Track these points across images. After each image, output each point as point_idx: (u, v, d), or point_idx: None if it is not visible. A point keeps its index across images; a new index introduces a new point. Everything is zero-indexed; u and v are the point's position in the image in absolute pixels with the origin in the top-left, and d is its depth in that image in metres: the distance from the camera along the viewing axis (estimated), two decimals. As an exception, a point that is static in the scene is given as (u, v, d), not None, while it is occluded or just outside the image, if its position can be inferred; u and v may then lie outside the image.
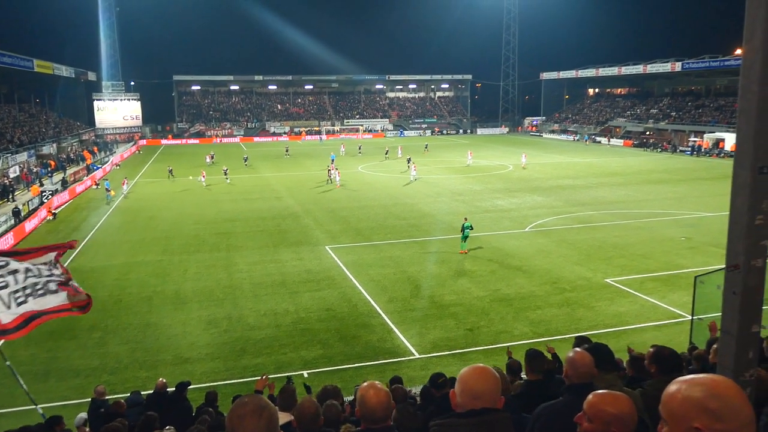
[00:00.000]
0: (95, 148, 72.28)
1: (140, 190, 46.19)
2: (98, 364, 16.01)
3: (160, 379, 10.80)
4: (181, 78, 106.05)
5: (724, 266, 3.28)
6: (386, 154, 66.67)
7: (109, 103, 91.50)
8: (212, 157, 62.56)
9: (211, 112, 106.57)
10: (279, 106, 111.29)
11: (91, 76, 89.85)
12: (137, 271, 24.45)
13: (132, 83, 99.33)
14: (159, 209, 37.61)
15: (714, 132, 68.39)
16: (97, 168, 55.53)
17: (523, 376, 6.59)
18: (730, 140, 64.14)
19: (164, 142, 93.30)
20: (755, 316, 3.07)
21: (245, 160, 61.05)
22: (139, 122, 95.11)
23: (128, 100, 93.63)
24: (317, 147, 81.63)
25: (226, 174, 49.81)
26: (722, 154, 62.83)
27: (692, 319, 15.23)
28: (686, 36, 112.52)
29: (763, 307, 3.39)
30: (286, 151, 70.64)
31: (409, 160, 54.52)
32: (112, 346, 17.20)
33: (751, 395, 3.04)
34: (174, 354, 16.55)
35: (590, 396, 2.48)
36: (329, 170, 48.33)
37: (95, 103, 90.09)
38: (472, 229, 26.09)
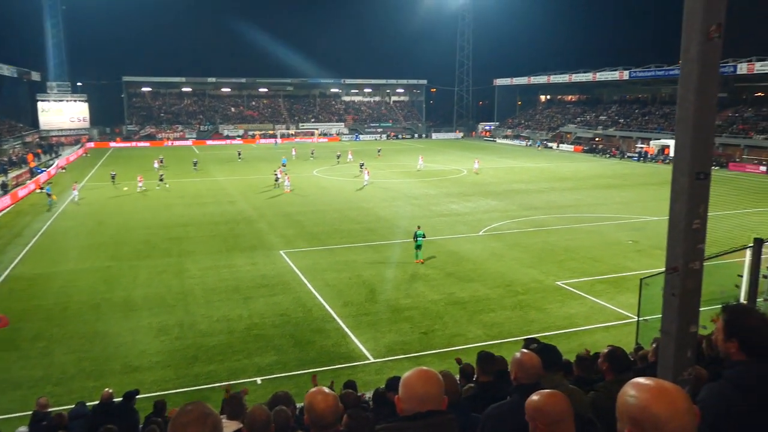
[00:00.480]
0: (39, 151, 69.89)
1: (88, 194, 44.86)
2: (42, 375, 15.44)
3: (106, 389, 10.49)
4: (131, 79, 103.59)
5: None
6: (338, 158, 66.41)
7: (55, 104, 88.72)
8: (161, 162, 60.02)
9: (162, 115, 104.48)
10: (233, 109, 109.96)
11: (35, 75, 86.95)
12: (85, 278, 23.72)
13: (79, 84, 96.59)
14: (108, 214, 36.61)
15: (660, 139, 70.80)
16: (41, 171, 53.71)
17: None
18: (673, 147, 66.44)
19: (112, 144, 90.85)
20: (693, 317, 3.19)
21: (195, 165, 59.65)
22: (87, 124, 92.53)
23: (75, 101, 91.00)
24: (271, 150, 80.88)
25: (162, 180, 47.52)
26: (667, 160, 64.99)
27: (638, 320, 15.68)
28: (634, 46, 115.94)
29: (701, 309, 3.53)
30: (239, 154, 69.75)
31: (362, 165, 54.57)
32: (58, 355, 16.62)
33: (689, 393, 3.15)
34: (123, 363, 16.11)
35: (533, 395, 2.57)
36: (276, 174, 47.74)
37: (39, 104, 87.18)
38: (424, 237, 25.39)
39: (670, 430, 1.90)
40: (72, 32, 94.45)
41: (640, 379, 2.07)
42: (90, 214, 36.72)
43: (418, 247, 25.23)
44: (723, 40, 3.00)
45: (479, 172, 55.37)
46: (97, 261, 26.12)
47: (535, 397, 2.55)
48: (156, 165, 58.31)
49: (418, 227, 26.15)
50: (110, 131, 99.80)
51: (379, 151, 73.79)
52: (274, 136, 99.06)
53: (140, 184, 45.11)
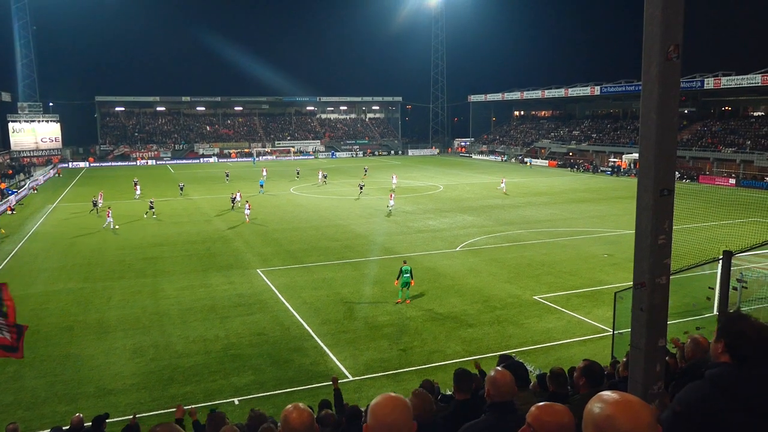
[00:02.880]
0: (9, 171, 68.72)
1: (59, 215, 44.17)
2: (12, 400, 15.06)
3: (76, 414, 10.28)
4: (104, 99, 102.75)
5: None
6: (325, 177, 65.92)
7: (26, 124, 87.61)
8: (135, 185, 54.03)
9: (136, 134, 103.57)
10: (208, 128, 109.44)
11: (5, 96, 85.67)
12: (57, 299, 23.27)
13: (51, 104, 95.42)
14: (80, 234, 36.04)
15: (632, 153, 71.99)
16: (12, 192, 52.76)
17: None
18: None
19: (83, 164, 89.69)
20: (661, 332, 3.25)
21: (181, 189, 53.71)
22: (59, 144, 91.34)
23: (47, 121, 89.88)
24: (250, 169, 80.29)
25: (152, 207, 41.99)
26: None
27: (613, 333, 15.84)
28: (604, 62, 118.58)
29: (675, 321, 3.59)
30: (227, 175, 66.58)
31: (361, 187, 52.50)
32: (29, 380, 16.23)
33: (659, 406, 3.20)
34: (97, 386, 15.79)
35: (532, 408, 2.57)
36: (234, 196, 45.20)
37: (10, 124, 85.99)
38: (411, 276, 22.03)
39: None
40: (43, 52, 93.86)
41: (608, 392, 2.15)
42: (62, 234, 36.11)
43: (405, 284, 22.05)
44: (681, 59, 3.10)
45: (507, 193, 52.62)
46: (70, 282, 25.67)
47: (551, 411, 2.55)
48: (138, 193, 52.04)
49: (404, 262, 22.71)
50: (83, 151, 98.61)
51: (365, 171, 70.92)
52: (250, 155, 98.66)
53: (109, 219, 37.74)
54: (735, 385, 2.56)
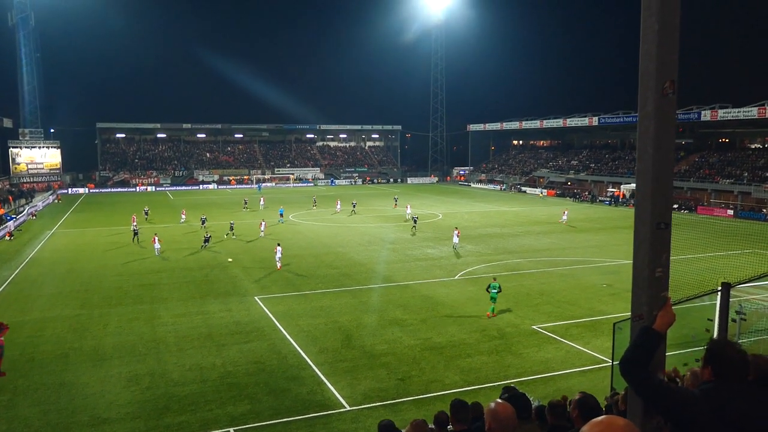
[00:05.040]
0: (10, 198, 68.81)
1: (59, 240, 44.13)
2: (5, 429, 14.85)
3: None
4: (105, 125, 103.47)
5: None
6: (314, 203, 66.03)
7: (27, 150, 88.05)
8: (146, 214, 55.49)
9: (136, 160, 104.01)
10: (208, 155, 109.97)
11: (7, 122, 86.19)
12: (52, 326, 23.12)
13: (52, 130, 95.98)
14: (78, 260, 35.97)
15: (630, 183, 72.24)
16: (11, 218, 52.76)
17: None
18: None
19: (83, 190, 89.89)
20: (659, 364, 3.25)
21: (203, 222, 48.67)
22: (59, 170, 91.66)
23: (47, 147, 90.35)
24: (255, 195, 79.24)
25: (231, 229, 44.61)
26: (637, 203, 66.26)
27: (612, 364, 15.74)
28: (603, 92, 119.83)
29: (675, 352, 3.60)
30: (245, 203, 65.69)
31: (416, 220, 48.06)
32: (22, 408, 16.04)
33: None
34: (91, 414, 15.60)
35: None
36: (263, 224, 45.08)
37: (11, 150, 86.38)
38: (499, 290, 23.93)
39: None
40: (46, 79, 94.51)
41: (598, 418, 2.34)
42: (60, 261, 36.04)
43: (493, 299, 23.88)
44: (678, 90, 3.17)
45: (567, 224, 51.13)
46: (66, 309, 25.53)
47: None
48: (142, 217, 52.36)
49: (494, 279, 24.75)
50: (83, 177, 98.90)
51: (395, 199, 68.28)
52: (259, 181, 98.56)
53: (156, 246, 37.48)
54: (718, 398, 2.94)
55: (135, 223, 45.62)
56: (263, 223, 45.98)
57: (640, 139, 3.21)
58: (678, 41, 3.10)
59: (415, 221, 47.38)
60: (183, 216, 52.34)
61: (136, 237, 41.77)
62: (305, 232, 47.02)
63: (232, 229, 44.94)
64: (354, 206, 60.82)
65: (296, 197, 76.32)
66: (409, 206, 58.22)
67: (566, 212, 53.95)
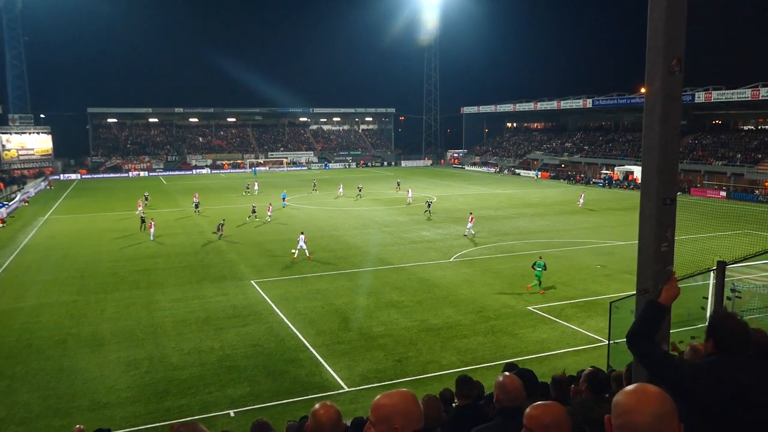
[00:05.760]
0: (1, 184, 68.37)
1: (52, 227, 43.98)
2: (5, 415, 14.93)
3: (78, 426, 10.20)
4: (96, 110, 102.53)
5: (635, 292, 3.55)
6: (314, 187, 66.21)
7: (17, 136, 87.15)
8: (146, 200, 52.58)
9: (128, 145, 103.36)
10: (201, 139, 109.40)
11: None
12: (49, 312, 23.12)
13: (42, 116, 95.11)
14: (73, 246, 35.88)
15: (624, 165, 72.50)
16: (3, 205, 52.46)
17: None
18: (639, 172, 68.17)
19: (75, 176, 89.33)
20: (664, 336, 3.32)
21: (196, 207, 49.65)
22: (51, 156, 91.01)
23: (38, 133, 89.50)
24: (251, 179, 78.63)
25: (254, 212, 44.77)
26: (632, 186, 66.56)
27: (609, 343, 15.91)
28: (597, 74, 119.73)
29: (670, 331, 3.68)
30: (247, 188, 65.11)
31: (429, 204, 47.82)
32: (22, 394, 16.10)
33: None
34: (91, 399, 15.68)
35: (527, 409, 2.78)
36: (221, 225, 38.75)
37: (1, 136, 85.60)
38: (545, 269, 24.58)
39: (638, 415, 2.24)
40: (35, 64, 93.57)
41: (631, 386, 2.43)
42: (54, 247, 35.94)
43: (537, 277, 24.70)
44: (683, 72, 3.20)
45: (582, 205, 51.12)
46: (63, 295, 25.53)
47: (529, 409, 2.76)
48: (140, 208, 47.54)
49: (540, 257, 25.58)
50: (75, 163, 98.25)
51: (398, 183, 67.80)
52: (243, 167, 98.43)
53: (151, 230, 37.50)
54: (720, 370, 3.00)
55: (141, 208, 45.75)
56: (270, 206, 46.16)
57: (646, 116, 3.25)
58: (685, 18, 3.13)
59: (429, 205, 46.99)
60: (195, 199, 51.53)
61: (143, 225, 40.30)
62: (299, 216, 46.92)
63: (254, 212, 45.09)
64: (360, 190, 60.34)
65: (290, 181, 76.10)
66: (410, 190, 58.06)
67: (583, 195, 53.56)
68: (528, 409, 2.75)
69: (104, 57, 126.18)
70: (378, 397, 2.63)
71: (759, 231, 33.95)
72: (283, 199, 53.79)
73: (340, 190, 61.38)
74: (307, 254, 31.75)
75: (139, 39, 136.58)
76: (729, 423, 2.84)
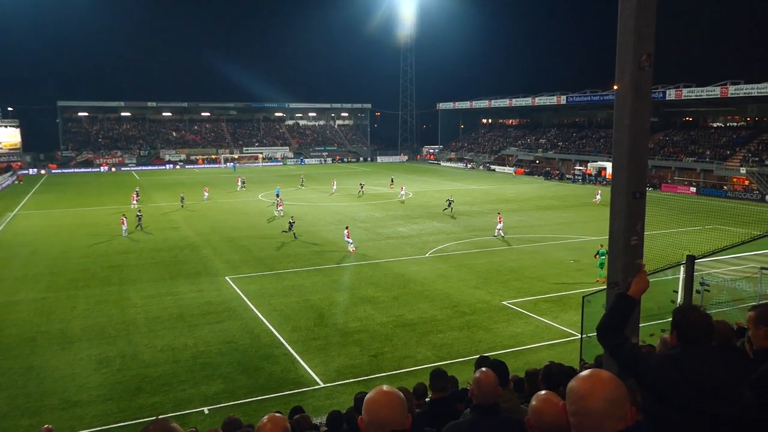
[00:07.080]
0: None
1: (20, 223, 43.08)
2: (-28, 414, 14.61)
3: (46, 425, 10.00)
4: (67, 104, 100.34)
5: (606, 287, 3.59)
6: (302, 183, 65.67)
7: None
8: (137, 195, 50.69)
9: (100, 140, 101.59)
10: (174, 134, 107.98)
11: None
12: (17, 310, 22.66)
13: (10, 109, 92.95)
14: (42, 243, 35.18)
15: (597, 161, 73.37)
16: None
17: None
18: (611, 168, 69.08)
19: (44, 171, 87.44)
20: (634, 329, 3.36)
21: (182, 200, 49.76)
22: (19, 150, 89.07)
23: (5, 126, 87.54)
24: (231, 175, 77.90)
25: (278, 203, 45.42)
26: (604, 182, 67.41)
27: (582, 337, 16.11)
28: (571, 72, 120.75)
29: (640, 325, 3.73)
30: (241, 183, 64.46)
31: (450, 202, 46.22)
32: (-11, 392, 15.78)
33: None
34: (61, 398, 15.41)
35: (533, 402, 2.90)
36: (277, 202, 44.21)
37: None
38: (605, 255, 25.20)
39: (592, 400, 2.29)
40: (2, 55, 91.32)
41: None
42: (22, 243, 35.21)
43: (601, 265, 25.25)
44: (653, 68, 3.24)
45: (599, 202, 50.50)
46: (32, 292, 25.03)
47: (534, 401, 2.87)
48: (134, 202, 48.02)
49: (601, 245, 25.73)
50: (45, 157, 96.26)
51: (392, 180, 66.64)
52: (218, 162, 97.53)
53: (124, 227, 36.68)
54: (684, 361, 3.08)
55: (135, 203, 46.01)
56: (280, 201, 46.37)
57: (617, 111, 3.29)
58: (655, 15, 3.17)
59: (449, 203, 45.71)
60: (206, 194, 52.40)
61: (140, 224, 39.08)
62: (273, 212, 46.61)
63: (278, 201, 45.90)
64: (362, 187, 58.78)
65: (267, 177, 75.52)
66: (403, 187, 57.66)
67: (599, 193, 53.01)
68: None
69: (75, 49, 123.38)
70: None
71: (727, 226, 34.64)
72: (277, 195, 53.29)
73: (334, 186, 60.86)
74: (351, 248, 31.88)
75: (111, 30, 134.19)
76: (693, 411, 2.92)
